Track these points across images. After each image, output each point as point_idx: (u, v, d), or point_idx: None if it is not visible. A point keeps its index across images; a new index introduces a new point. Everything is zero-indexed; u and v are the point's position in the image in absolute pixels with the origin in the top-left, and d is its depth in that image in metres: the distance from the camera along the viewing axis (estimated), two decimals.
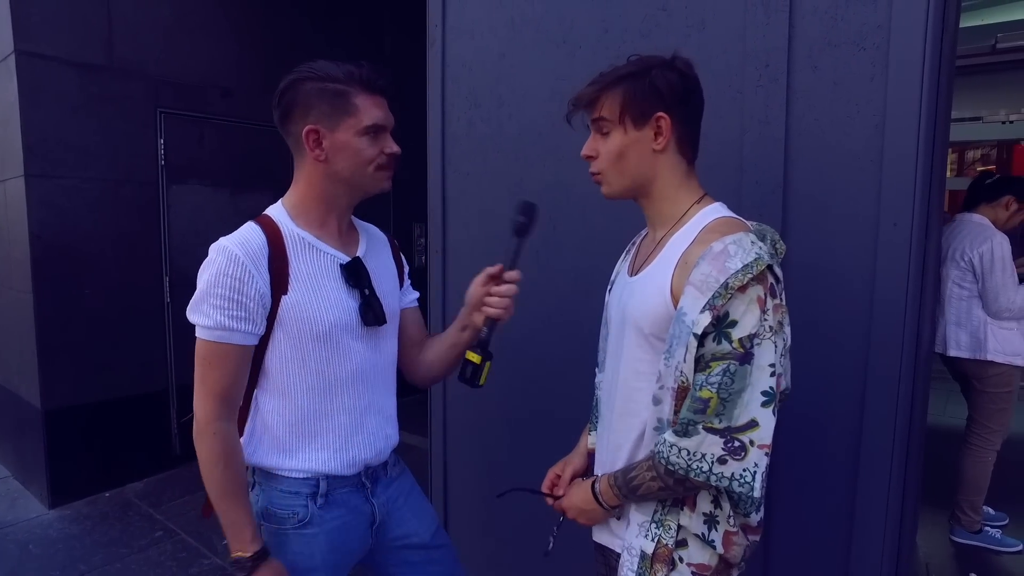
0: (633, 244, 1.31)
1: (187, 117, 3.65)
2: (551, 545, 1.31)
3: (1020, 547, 2.78)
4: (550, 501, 1.31)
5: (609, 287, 1.32)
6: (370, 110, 1.17)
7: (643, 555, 1.08)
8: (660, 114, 1.07)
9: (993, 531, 2.84)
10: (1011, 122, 7.35)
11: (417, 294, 1.45)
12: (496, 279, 1.25)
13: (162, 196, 3.58)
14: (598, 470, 1.26)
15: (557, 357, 2.03)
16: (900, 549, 1.50)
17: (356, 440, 1.25)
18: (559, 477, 1.35)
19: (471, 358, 1.22)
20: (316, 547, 1.22)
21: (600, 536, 1.24)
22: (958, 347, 2.74)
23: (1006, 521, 2.97)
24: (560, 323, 2.00)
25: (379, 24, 4.64)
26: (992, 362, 2.67)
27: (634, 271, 1.19)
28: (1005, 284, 2.62)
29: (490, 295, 1.23)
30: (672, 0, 1.70)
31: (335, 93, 1.15)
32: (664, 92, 1.06)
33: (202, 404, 1.14)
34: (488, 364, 1.22)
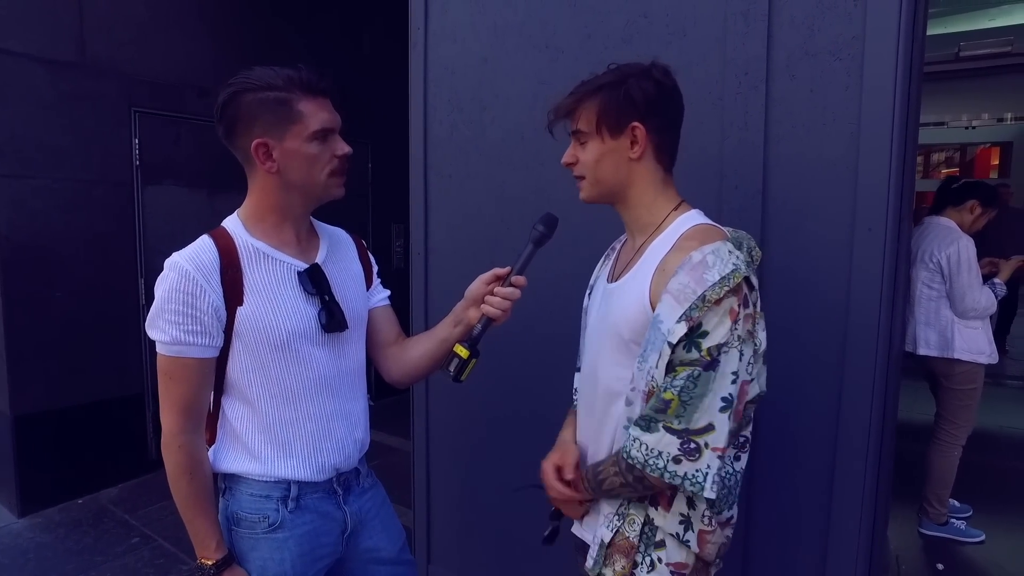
0: (612, 250, 1.34)
1: (163, 117, 3.59)
2: (548, 532, 1.32)
3: (983, 537, 2.89)
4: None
5: (588, 292, 1.35)
6: (315, 114, 1.15)
7: (602, 544, 1.13)
8: (635, 124, 1.09)
9: (958, 523, 2.95)
10: (973, 127, 7.61)
11: (388, 292, 1.44)
12: (502, 280, 1.25)
13: (137, 197, 3.51)
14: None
15: (539, 359, 2.05)
16: (873, 542, 1.55)
17: (325, 447, 1.25)
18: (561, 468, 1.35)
19: (459, 351, 1.22)
20: (287, 552, 1.21)
21: (579, 531, 1.27)
22: (927, 346, 2.84)
23: (970, 513, 3.07)
24: (541, 325, 2.02)
25: (357, 24, 4.62)
26: (959, 360, 2.77)
27: (614, 277, 1.21)
28: (971, 285, 2.72)
29: (492, 295, 1.23)
30: (654, 8, 1.73)
31: (277, 101, 1.13)
32: (639, 102, 1.08)
33: (167, 417, 1.15)
34: (474, 362, 1.23)
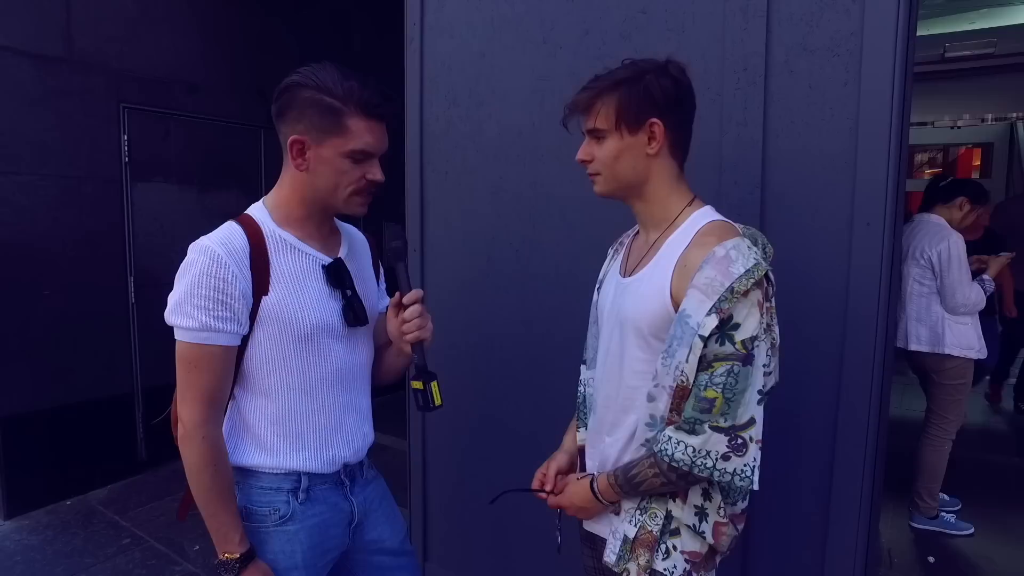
0: (621, 244, 1.34)
1: (152, 113, 3.55)
2: (560, 540, 1.33)
3: (972, 530, 2.94)
4: (543, 496, 1.33)
5: (598, 286, 1.34)
6: (361, 134, 1.14)
7: (625, 539, 1.13)
8: (654, 120, 1.09)
9: (948, 516, 2.99)
10: (958, 127, 7.71)
11: (387, 301, 1.45)
12: (401, 307, 1.24)
13: (126, 194, 3.46)
14: (590, 465, 1.28)
15: (536, 354, 2.05)
16: (869, 534, 1.56)
17: (336, 439, 1.25)
18: (545, 475, 1.37)
19: (415, 386, 1.24)
20: (297, 544, 1.21)
21: (591, 526, 1.27)
22: (919, 342, 2.88)
23: (959, 506, 3.12)
24: (539, 321, 2.02)
25: (348, 20, 4.59)
26: (950, 355, 2.82)
27: (627, 272, 1.21)
28: (961, 281, 2.77)
29: (404, 322, 1.22)
30: (653, 3, 1.74)
31: (330, 108, 1.12)
32: (658, 98, 1.08)
33: (189, 408, 1.12)
34: (435, 383, 1.24)
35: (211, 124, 3.76)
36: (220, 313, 1.10)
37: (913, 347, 2.89)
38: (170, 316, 1.12)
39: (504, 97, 2.05)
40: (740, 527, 1.18)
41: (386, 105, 1.16)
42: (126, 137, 3.44)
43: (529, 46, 1.98)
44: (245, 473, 1.22)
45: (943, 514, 2.99)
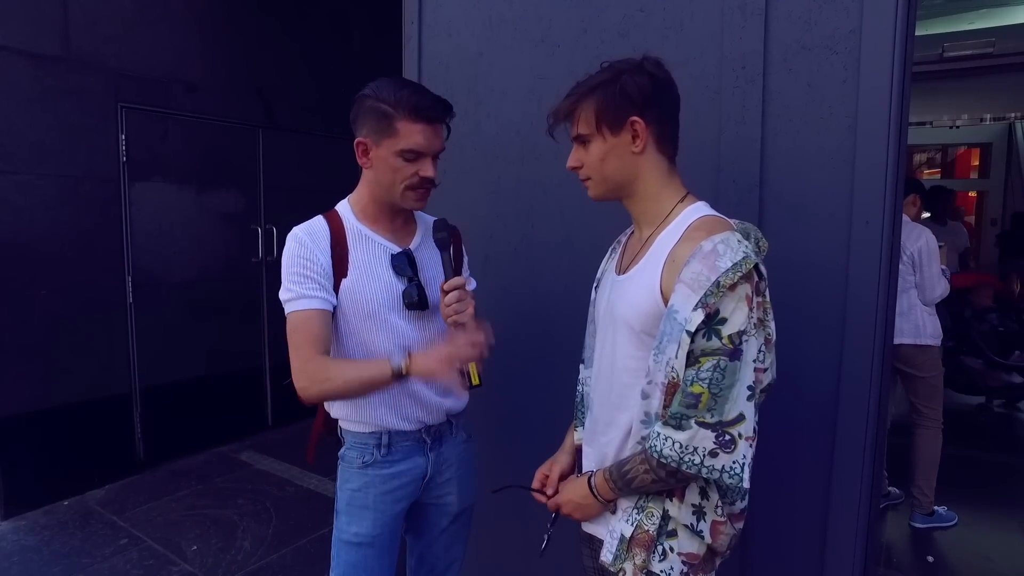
0: (618, 243, 1.34)
1: (150, 112, 3.54)
2: (545, 544, 1.33)
3: (955, 520, 3.00)
4: (542, 499, 1.33)
5: (595, 285, 1.35)
6: (411, 135, 1.30)
7: (622, 538, 1.12)
8: (634, 118, 1.10)
9: (940, 509, 3.03)
10: (957, 127, 7.72)
11: (474, 284, 1.60)
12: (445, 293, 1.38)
13: (124, 194, 3.46)
14: (587, 464, 1.28)
15: (537, 352, 2.04)
16: (869, 533, 1.56)
17: (407, 401, 1.41)
18: (547, 477, 1.37)
19: None
20: (371, 488, 1.41)
21: (590, 526, 1.26)
22: (901, 334, 2.94)
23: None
24: (539, 320, 2.02)
25: (346, 19, 4.59)
26: (928, 346, 2.92)
27: (622, 270, 1.21)
28: (938, 273, 2.89)
29: (447, 306, 1.36)
30: (650, 1, 1.73)
31: (383, 113, 1.30)
32: (635, 96, 1.09)
33: (298, 355, 1.29)
34: (472, 364, 1.35)
35: (209, 124, 3.75)
36: (309, 284, 1.31)
37: (897, 340, 2.93)
38: (282, 295, 1.31)
39: (502, 96, 2.05)
40: (739, 527, 1.17)
41: (433, 108, 1.31)
42: (124, 137, 3.44)
43: (527, 45, 1.97)
44: (347, 432, 1.44)
45: (938, 510, 3.02)
